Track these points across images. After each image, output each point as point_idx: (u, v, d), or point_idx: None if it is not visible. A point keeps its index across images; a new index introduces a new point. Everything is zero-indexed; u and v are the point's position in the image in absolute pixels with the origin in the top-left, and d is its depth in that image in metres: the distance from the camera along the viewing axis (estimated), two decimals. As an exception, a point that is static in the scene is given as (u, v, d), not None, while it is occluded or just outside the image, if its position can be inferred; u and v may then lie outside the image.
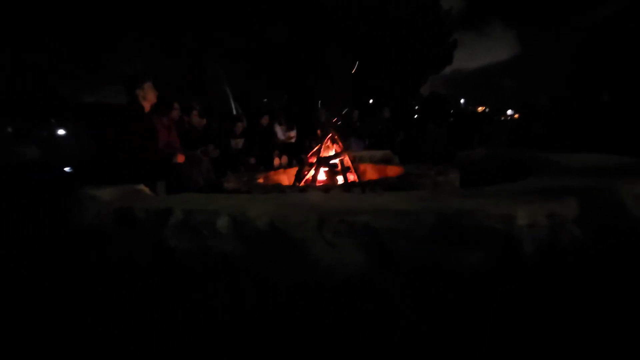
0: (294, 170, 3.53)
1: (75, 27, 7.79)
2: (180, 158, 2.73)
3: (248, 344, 1.21)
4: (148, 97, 2.55)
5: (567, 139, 4.57)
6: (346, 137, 5.11)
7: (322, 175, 3.08)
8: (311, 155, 3.18)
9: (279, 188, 2.43)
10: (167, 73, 9.05)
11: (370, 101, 12.69)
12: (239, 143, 4.59)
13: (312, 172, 3.08)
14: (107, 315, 1.43)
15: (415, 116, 11.40)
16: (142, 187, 2.15)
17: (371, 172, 3.51)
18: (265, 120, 5.13)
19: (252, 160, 4.37)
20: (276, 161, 4.10)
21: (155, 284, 1.39)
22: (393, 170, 3.31)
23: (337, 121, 5.74)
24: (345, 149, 3.28)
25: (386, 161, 3.98)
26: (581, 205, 1.23)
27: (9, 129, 7.82)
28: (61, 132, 8.83)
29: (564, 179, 1.66)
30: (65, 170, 5.88)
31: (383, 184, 2.41)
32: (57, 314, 1.50)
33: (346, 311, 1.18)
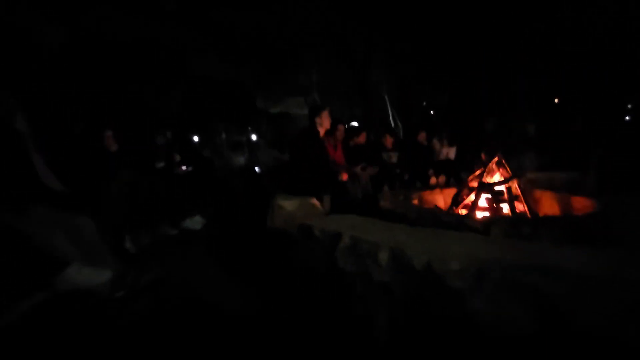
0: (450, 191, 3.41)
1: (268, 47, 9.58)
2: (345, 176, 3.13)
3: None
4: (324, 124, 3.04)
5: None
6: (518, 154, 4.49)
7: (483, 202, 2.87)
8: (472, 179, 3.01)
9: (435, 214, 2.44)
10: (336, 84, 10.11)
11: (556, 100, 10.42)
12: (392, 157, 4.70)
13: (472, 197, 2.92)
14: (287, 302, 1.86)
15: (627, 118, 8.68)
16: (314, 200, 2.62)
17: (549, 203, 2.99)
18: (422, 136, 5.06)
19: (406, 177, 4.42)
20: (432, 180, 4.03)
21: (327, 292, 1.71)
22: (580, 203, 2.73)
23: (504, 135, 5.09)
24: (515, 173, 2.94)
25: (573, 187, 3.32)
26: None
27: (223, 136, 10.57)
28: (254, 137, 11.28)
29: None
30: (255, 169, 7.51)
31: (562, 225, 2.06)
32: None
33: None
